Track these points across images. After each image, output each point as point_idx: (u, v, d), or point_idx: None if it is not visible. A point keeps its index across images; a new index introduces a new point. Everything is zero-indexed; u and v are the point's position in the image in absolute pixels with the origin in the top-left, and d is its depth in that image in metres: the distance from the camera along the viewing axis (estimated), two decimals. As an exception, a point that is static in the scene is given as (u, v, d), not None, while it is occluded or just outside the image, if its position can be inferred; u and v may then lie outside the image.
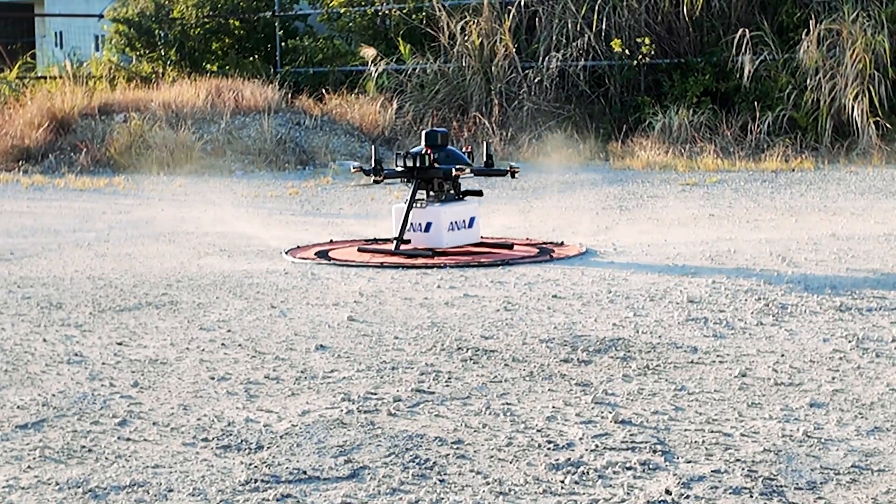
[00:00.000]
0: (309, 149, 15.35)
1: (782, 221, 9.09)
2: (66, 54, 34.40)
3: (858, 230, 8.44)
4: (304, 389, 4.17)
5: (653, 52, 16.19)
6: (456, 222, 7.72)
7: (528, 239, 8.27)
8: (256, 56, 20.09)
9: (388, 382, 4.24)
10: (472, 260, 7.29)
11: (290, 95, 17.27)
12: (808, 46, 14.68)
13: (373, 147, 8.38)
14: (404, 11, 18.49)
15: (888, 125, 14.01)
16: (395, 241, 7.58)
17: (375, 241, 8.22)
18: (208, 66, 19.85)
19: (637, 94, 16.30)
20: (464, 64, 17.10)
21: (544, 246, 7.89)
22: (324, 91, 17.71)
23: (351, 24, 19.45)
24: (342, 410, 3.87)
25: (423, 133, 7.87)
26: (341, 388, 4.17)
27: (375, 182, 7.71)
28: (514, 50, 17.08)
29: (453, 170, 7.66)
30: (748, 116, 14.84)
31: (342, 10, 19.43)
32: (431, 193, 7.78)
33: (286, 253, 7.66)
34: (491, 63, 16.99)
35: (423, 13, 18.24)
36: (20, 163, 14.74)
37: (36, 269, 7.14)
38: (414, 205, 7.61)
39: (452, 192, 7.83)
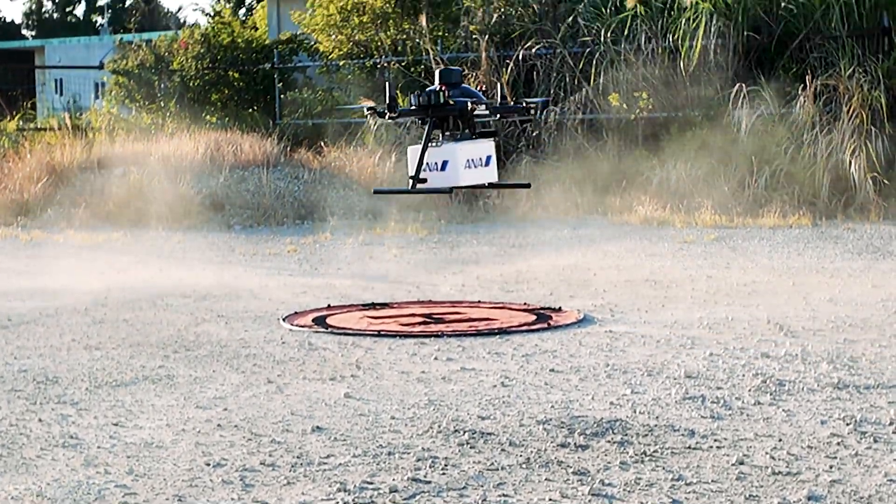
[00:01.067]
0: (307, 203, 15.38)
1: (780, 284, 9.09)
2: (66, 102, 34.58)
3: (856, 294, 8.44)
4: (299, 478, 4.16)
5: (650, 106, 16.27)
6: (472, 160, 7.53)
7: (525, 304, 8.27)
8: (256, 108, 20.19)
9: (384, 470, 4.23)
10: (469, 328, 7.28)
11: (288, 148, 17.32)
12: (804, 101, 14.75)
13: (386, 84, 8.14)
14: (403, 64, 18.58)
15: (885, 181, 14.05)
16: (410, 181, 7.45)
17: (373, 305, 8.22)
18: (208, 117, 19.93)
19: (635, 148, 16.35)
20: (462, 116, 17.14)
21: (542, 312, 7.89)
22: (322, 144, 17.77)
23: (350, 76, 19.55)
24: (338, 502, 3.86)
25: (438, 71, 7.71)
26: (337, 477, 4.15)
27: (390, 119, 7.57)
28: (512, 103, 17.14)
29: (469, 103, 7.48)
30: (746, 171, 14.87)
31: (341, 63, 19.53)
32: (447, 133, 7.62)
33: (283, 320, 7.66)
34: (490, 112, 17.04)
35: (422, 66, 18.33)
36: (19, 218, 14.76)
37: (33, 338, 7.13)
38: (429, 143, 7.44)
39: (468, 130, 7.65)
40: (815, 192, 14.30)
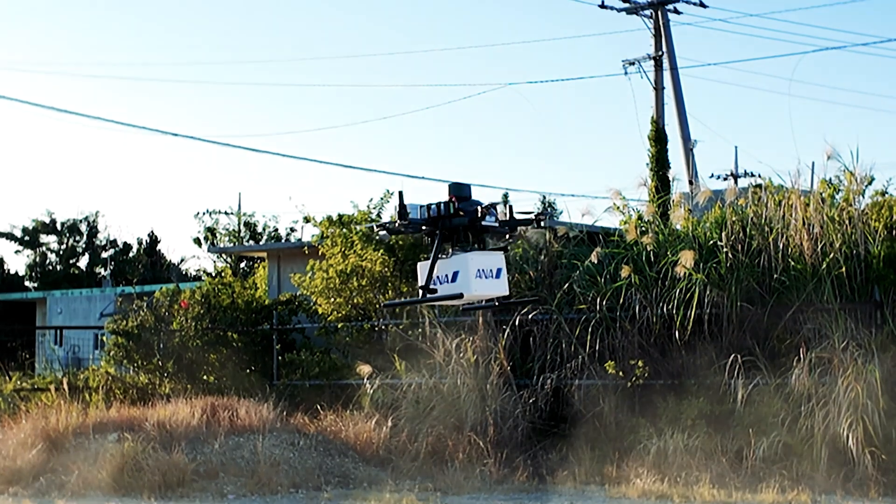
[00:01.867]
0: (302, 470, 15.25)
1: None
2: (66, 352, 34.69)
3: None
4: None
5: (646, 374, 16.33)
6: (483, 270, 7.39)
7: None
8: (254, 368, 20.25)
9: None
10: None
11: (285, 413, 17.28)
12: (799, 373, 14.81)
13: (398, 192, 7.95)
14: (400, 327, 18.74)
15: (884, 456, 13.96)
16: (421, 291, 7.27)
17: None
18: (205, 377, 19.98)
19: (632, 415, 16.33)
20: (459, 381, 17.21)
21: None
22: (319, 407, 17.75)
23: (348, 338, 19.69)
24: None
25: (449, 185, 7.62)
26: None
27: (401, 225, 7.37)
28: (508, 368, 17.23)
29: (479, 209, 7.34)
30: (743, 442, 14.81)
31: (339, 325, 19.71)
32: (457, 247, 7.47)
33: None
34: (486, 381, 17.10)
35: (419, 329, 18.49)
36: (10, 486, 14.60)
37: None
38: (439, 256, 7.30)
39: (477, 245, 7.50)
40: (814, 466, 14.19)
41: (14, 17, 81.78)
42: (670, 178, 26.10)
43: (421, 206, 7.69)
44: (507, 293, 7.71)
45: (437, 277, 7.46)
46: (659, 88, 29.06)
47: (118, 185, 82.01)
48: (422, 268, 7.60)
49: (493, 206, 7.97)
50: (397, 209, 7.56)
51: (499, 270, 7.66)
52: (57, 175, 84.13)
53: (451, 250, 7.54)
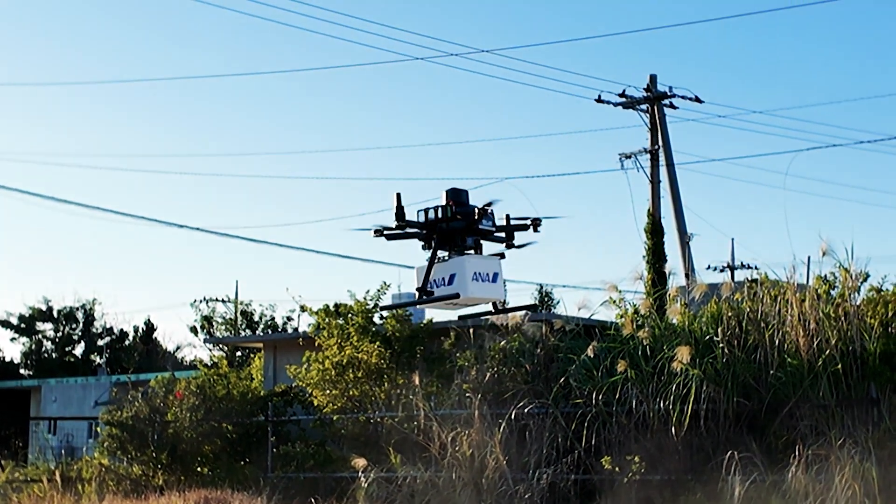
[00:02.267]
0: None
1: None
2: (59, 441, 34.44)
3: None
4: None
5: (643, 469, 16.23)
6: (480, 273, 7.34)
7: None
8: (248, 460, 20.13)
9: None
10: None
11: (279, 506, 17.16)
12: (796, 470, 14.74)
13: (396, 194, 7.80)
14: (396, 420, 18.67)
15: (883, 558, 13.86)
16: (417, 293, 7.21)
17: None
18: (199, 468, 19.85)
19: (628, 512, 16.21)
20: (454, 475, 17.10)
21: None
22: (313, 500, 17.62)
23: (343, 430, 19.60)
24: None
25: (446, 190, 7.54)
26: None
27: (397, 227, 7.28)
28: (504, 462, 17.13)
29: (476, 210, 7.27)
30: (741, 539, 14.69)
31: (335, 417, 19.63)
32: (454, 251, 7.38)
33: None
34: (481, 475, 16.99)
35: (415, 422, 18.41)
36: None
37: None
38: (436, 260, 7.23)
39: (475, 250, 7.42)
40: (814, 567, 14.07)
41: (5, 108, 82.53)
42: (666, 272, 26.15)
43: (418, 210, 7.70)
44: (503, 298, 7.72)
45: (434, 281, 7.47)
46: (655, 182, 29.23)
47: (116, 273, 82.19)
48: (419, 271, 7.61)
49: (490, 206, 7.93)
50: (394, 210, 7.54)
51: (495, 275, 7.69)
52: (55, 263, 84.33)
53: (448, 255, 7.55)
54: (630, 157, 29.59)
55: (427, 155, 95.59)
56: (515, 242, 8.88)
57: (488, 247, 9.31)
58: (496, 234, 8.19)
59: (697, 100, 29.68)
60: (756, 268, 38.91)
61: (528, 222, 8.00)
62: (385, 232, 7.76)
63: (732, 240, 42.27)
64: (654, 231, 28.22)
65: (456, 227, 7.62)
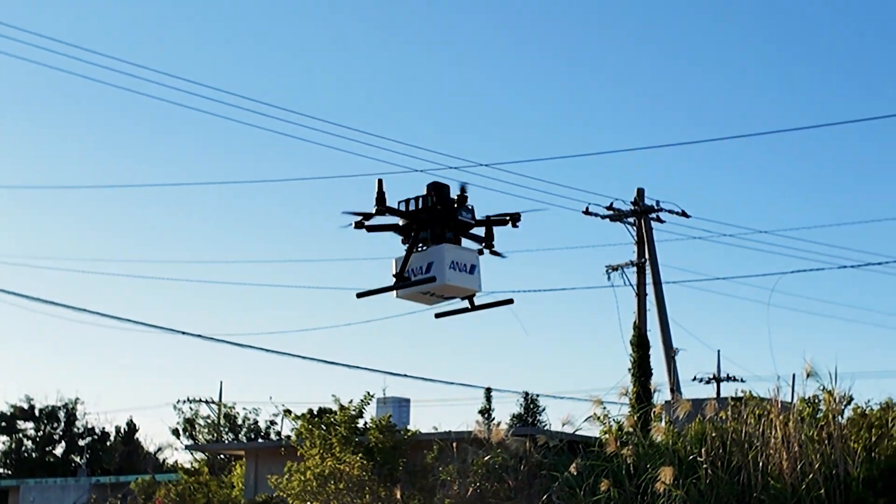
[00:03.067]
0: None
1: None
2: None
3: None
4: None
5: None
6: (457, 262, 7.33)
7: None
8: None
9: None
10: None
11: None
12: None
13: (377, 180, 7.73)
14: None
15: None
16: (395, 278, 7.17)
17: None
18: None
19: None
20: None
21: None
22: None
23: (323, 542, 19.39)
24: None
25: (427, 184, 7.52)
26: None
27: (377, 213, 7.21)
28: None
29: (456, 196, 7.24)
30: None
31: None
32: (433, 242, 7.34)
33: None
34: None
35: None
36: None
37: None
38: (414, 249, 7.23)
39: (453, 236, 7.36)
40: None
41: None
42: (652, 388, 26.08)
43: (399, 201, 7.76)
44: (479, 290, 7.73)
45: (412, 270, 7.51)
46: (641, 294, 29.24)
47: (99, 372, 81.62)
48: (396, 260, 7.66)
49: (465, 189, 7.95)
50: (375, 196, 7.58)
51: (473, 267, 7.73)
52: (38, 362, 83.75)
53: (428, 244, 7.61)
54: (617, 269, 29.64)
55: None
56: (496, 248, 8.92)
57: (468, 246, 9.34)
58: (476, 228, 8.27)
59: (684, 214, 29.82)
60: (742, 380, 38.89)
61: (507, 218, 8.10)
62: (366, 223, 7.83)
63: (718, 352, 42.07)
64: (640, 344, 28.15)
65: (436, 216, 7.69)
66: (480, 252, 8.28)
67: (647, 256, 29.70)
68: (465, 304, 8.54)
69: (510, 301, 8.38)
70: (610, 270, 29.83)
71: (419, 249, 7.87)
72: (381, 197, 7.86)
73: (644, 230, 29.82)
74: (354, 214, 8.14)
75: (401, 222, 8.08)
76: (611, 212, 30.00)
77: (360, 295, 7.89)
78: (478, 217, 8.31)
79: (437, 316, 8.42)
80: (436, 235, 7.90)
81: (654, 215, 29.97)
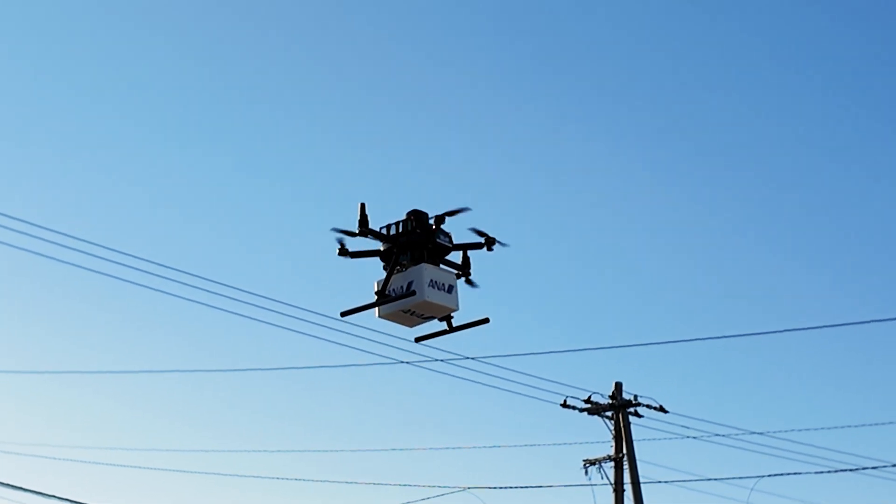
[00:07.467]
0: None
1: None
2: None
3: None
4: None
5: None
6: (436, 282, 7.50)
7: None
8: None
9: None
10: None
11: None
12: None
13: (360, 204, 7.71)
14: None
15: None
16: (376, 297, 7.23)
17: None
18: None
19: None
20: None
21: None
22: None
23: None
24: None
25: (408, 212, 7.65)
26: None
27: (360, 235, 7.28)
28: None
29: (435, 219, 7.31)
30: None
31: None
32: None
33: None
34: None
35: None
36: None
37: None
38: (395, 270, 7.32)
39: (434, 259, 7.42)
40: None
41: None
42: None
43: (381, 227, 8.06)
44: (458, 308, 7.94)
45: (393, 290, 7.77)
46: (619, 490, 28.97)
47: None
48: (378, 282, 7.90)
49: (446, 218, 8.18)
50: (358, 219, 7.82)
51: (451, 287, 8.04)
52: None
53: (407, 266, 7.83)
54: (595, 462, 29.43)
55: (400, 457, 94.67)
56: (473, 279, 9.11)
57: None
58: (453, 251, 8.59)
59: (662, 409, 29.72)
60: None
61: (482, 242, 8.44)
62: (350, 251, 8.13)
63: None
64: (618, 539, 27.79)
65: (414, 240, 7.96)
66: (458, 276, 8.72)
67: (624, 451, 29.48)
68: (444, 325, 8.95)
69: (486, 320, 8.67)
70: (587, 465, 29.61)
71: (399, 271, 8.28)
72: (363, 220, 8.32)
73: (622, 424, 29.68)
74: (342, 232, 8.55)
75: (382, 247, 8.51)
76: (589, 405, 29.89)
77: (343, 314, 8.25)
78: (455, 242, 8.84)
79: (417, 340, 8.78)
80: (415, 258, 8.34)
81: (632, 409, 29.86)
